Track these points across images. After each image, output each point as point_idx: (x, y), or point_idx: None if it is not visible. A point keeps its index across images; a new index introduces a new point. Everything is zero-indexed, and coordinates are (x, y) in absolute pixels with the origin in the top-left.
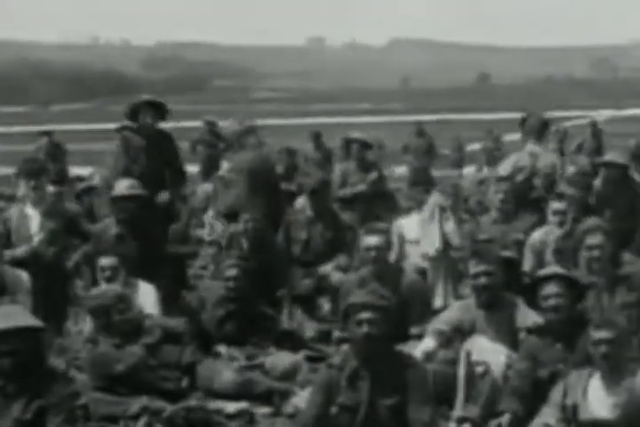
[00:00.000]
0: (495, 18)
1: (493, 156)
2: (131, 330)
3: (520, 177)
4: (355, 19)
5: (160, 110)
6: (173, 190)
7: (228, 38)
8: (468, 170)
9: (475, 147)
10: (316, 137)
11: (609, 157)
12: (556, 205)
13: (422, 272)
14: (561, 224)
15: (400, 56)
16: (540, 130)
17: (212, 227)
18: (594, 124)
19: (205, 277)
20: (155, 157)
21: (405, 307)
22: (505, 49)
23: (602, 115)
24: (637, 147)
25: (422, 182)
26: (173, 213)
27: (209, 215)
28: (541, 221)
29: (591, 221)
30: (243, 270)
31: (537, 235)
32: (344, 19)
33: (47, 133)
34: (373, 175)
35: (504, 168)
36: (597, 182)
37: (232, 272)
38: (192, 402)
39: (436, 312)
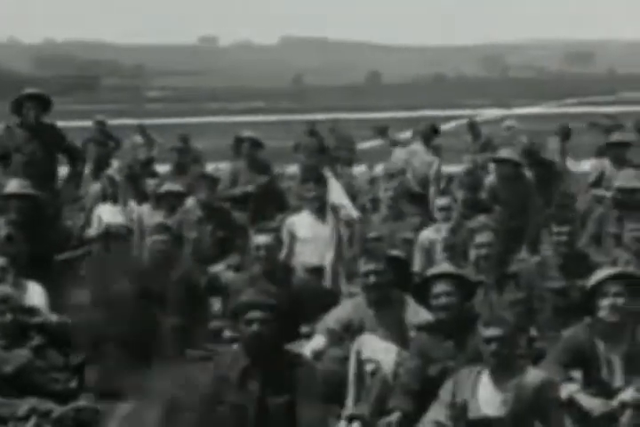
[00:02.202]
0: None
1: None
2: (17, 332)
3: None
4: (247, 18)
5: (43, 103)
6: (71, 177)
7: (119, 37)
8: (359, 168)
9: (365, 145)
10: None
11: (502, 154)
12: (440, 201)
13: (313, 271)
14: (447, 220)
15: (292, 55)
16: (428, 134)
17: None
18: (472, 124)
19: None
20: (39, 149)
21: (295, 306)
22: (396, 48)
23: (491, 113)
24: (530, 144)
25: (313, 181)
26: (60, 211)
27: (98, 214)
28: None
29: (480, 219)
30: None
31: (426, 233)
32: (236, 18)
33: None
34: (264, 177)
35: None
36: (490, 179)
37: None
38: (81, 403)
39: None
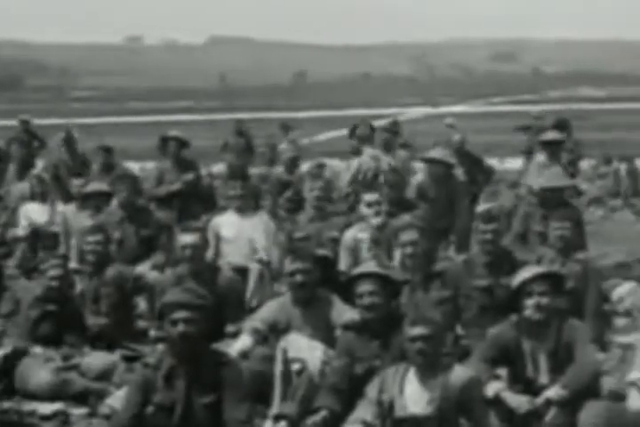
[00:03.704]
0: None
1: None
2: None
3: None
4: (173, 17)
5: None
6: None
7: (43, 36)
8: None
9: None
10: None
11: (432, 154)
12: (368, 196)
13: (239, 270)
14: (376, 215)
15: (218, 54)
16: (370, 136)
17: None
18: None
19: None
20: None
21: (221, 305)
22: (322, 47)
23: (418, 112)
24: (461, 143)
25: (239, 180)
26: None
27: (26, 214)
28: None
29: (405, 217)
30: (66, 270)
31: (351, 232)
32: (162, 17)
33: None
34: (190, 175)
35: (344, 173)
36: (418, 178)
37: (56, 272)
38: (5, 404)
39: (252, 310)
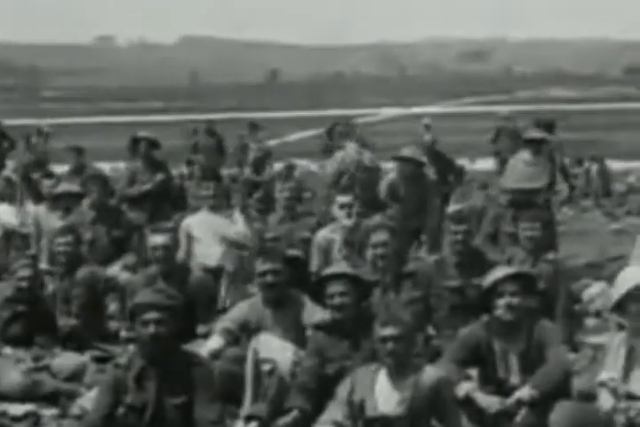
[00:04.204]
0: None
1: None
2: None
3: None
4: (144, 17)
5: None
6: None
7: (12, 36)
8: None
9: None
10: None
11: (404, 152)
12: (341, 198)
13: (210, 271)
14: (349, 216)
15: (190, 54)
16: (350, 133)
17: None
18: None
19: None
20: None
21: (192, 306)
22: (293, 47)
23: (390, 112)
24: (432, 142)
25: (211, 180)
26: None
27: None
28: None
29: (376, 217)
30: (36, 271)
31: (323, 233)
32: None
33: None
34: (161, 175)
35: (330, 165)
36: (389, 177)
37: (25, 272)
38: None
39: (223, 311)
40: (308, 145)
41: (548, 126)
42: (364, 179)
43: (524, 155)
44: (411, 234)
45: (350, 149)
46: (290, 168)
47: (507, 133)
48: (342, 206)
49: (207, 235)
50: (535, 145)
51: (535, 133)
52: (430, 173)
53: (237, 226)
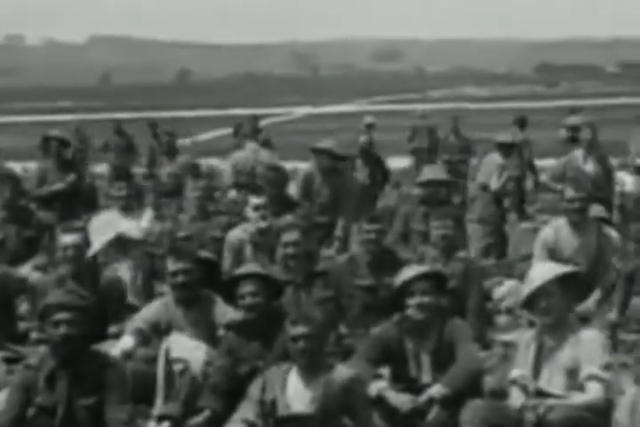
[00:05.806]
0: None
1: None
2: None
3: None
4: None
5: None
6: None
7: None
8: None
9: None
10: None
11: (321, 144)
12: (254, 200)
13: None
14: (263, 218)
15: (100, 53)
16: (254, 133)
17: None
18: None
19: None
20: None
21: (103, 306)
22: (204, 46)
23: (300, 111)
24: (368, 143)
25: (123, 180)
26: None
27: None
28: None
29: (287, 217)
30: None
31: (235, 233)
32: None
33: None
34: (72, 176)
35: (225, 165)
36: (305, 168)
37: None
38: None
39: (135, 310)
40: (220, 144)
41: (522, 122)
42: (271, 177)
43: (495, 156)
44: (324, 229)
45: (248, 149)
46: (194, 168)
47: (423, 131)
48: (256, 208)
49: (107, 232)
50: (505, 148)
51: (504, 137)
52: (364, 175)
53: (139, 222)
